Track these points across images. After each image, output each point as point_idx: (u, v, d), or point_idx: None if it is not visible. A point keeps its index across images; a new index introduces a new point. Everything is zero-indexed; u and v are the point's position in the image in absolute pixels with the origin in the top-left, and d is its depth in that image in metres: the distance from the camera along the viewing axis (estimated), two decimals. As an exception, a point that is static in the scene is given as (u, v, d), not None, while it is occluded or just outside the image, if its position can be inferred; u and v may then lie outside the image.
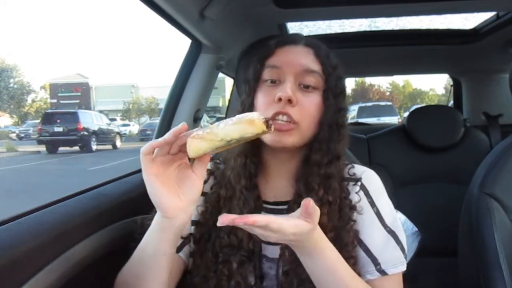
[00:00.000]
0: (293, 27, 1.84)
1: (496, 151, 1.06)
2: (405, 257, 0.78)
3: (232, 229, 0.77)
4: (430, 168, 1.86)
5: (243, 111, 0.79)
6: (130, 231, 1.05)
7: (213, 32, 1.29)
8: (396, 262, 0.76)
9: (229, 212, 0.77)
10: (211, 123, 0.67)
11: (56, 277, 0.76)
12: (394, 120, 12.08)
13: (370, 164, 1.73)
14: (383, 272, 0.75)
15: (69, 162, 12.81)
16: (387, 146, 1.90)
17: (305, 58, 0.79)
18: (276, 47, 0.82)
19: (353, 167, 0.83)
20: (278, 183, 0.82)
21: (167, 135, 0.62)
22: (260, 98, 0.79)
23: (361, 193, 0.79)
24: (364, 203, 0.78)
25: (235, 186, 0.79)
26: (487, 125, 2.11)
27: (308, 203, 0.61)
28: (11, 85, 32.33)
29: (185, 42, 1.37)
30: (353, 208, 0.78)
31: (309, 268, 0.68)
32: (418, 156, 1.87)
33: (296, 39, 0.83)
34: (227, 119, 0.62)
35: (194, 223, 0.82)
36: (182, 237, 0.80)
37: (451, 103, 2.64)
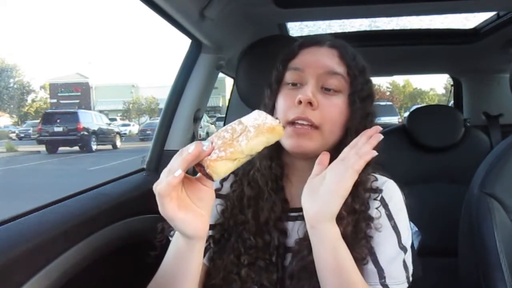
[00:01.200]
0: (293, 27, 1.84)
1: (496, 151, 1.05)
2: (408, 276, 0.74)
3: (257, 230, 0.74)
4: (430, 168, 1.86)
5: None
6: (130, 231, 1.05)
7: (213, 32, 1.28)
8: (400, 279, 0.73)
9: (255, 212, 0.76)
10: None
11: (56, 277, 0.76)
12: (394, 120, 12.08)
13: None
14: (386, 287, 0.72)
15: (69, 162, 12.81)
16: (387, 146, 1.88)
17: (329, 60, 0.76)
18: (300, 49, 0.80)
19: (376, 179, 0.79)
20: (296, 189, 0.79)
21: (183, 167, 0.56)
22: (281, 101, 0.77)
23: (381, 208, 0.76)
24: (383, 217, 0.75)
25: (262, 187, 0.77)
26: (487, 125, 2.11)
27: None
28: (11, 85, 32.34)
29: (185, 42, 1.38)
30: (369, 223, 0.74)
31: (321, 257, 0.67)
32: (418, 156, 1.87)
33: (321, 40, 0.80)
34: (239, 131, 0.59)
35: (212, 226, 0.78)
36: None
37: (451, 103, 2.64)
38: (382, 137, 0.67)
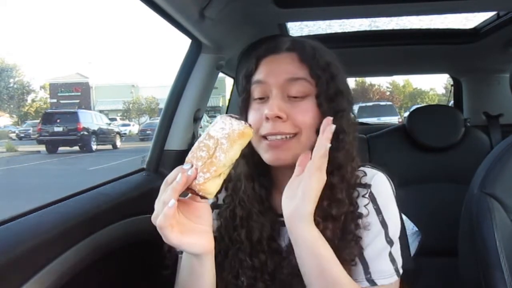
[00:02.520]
0: (293, 27, 1.84)
1: (496, 151, 1.05)
2: (397, 269, 0.74)
3: (252, 251, 0.74)
4: (431, 168, 1.86)
5: None
6: (130, 231, 1.05)
7: (213, 32, 1.28)
8: (388, 273, 0.73)
9: (248, 232, 0.75)
10: (211, 123, 0.67)
11: (56, 277, 0.76)
12: (394, 120, 12.07)
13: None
14: (372, 282, 0.72)
15: (69, 162, 12.81)
16: (388, 146, 1.89)
17: (288, 66, 0.73)
18: (259, 60, 0.77)
19: (365, 174, 0.77)
20: None
21: (176, 196, 0.59)
22: (251, 118, 0.75)
23: (370, 203, 0.75)
24: (371, 214, 0.74)
25: (251, 208, 0.76)
26: (487, 125, 2.11)
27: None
28: (11, 85, 32.32)
29: (185, 42, 1.38)
30: (359, 223, 0.73)
31: (302, 259, 0.66)
32: (419, 156, 1.87)
33: (277, 46, 0.76)
34: (211, 146, 0.61)
35: None
36: None
37: (451, 103, 2.64)
38: (333, 127, 0.66)
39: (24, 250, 0.70)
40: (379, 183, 0.77)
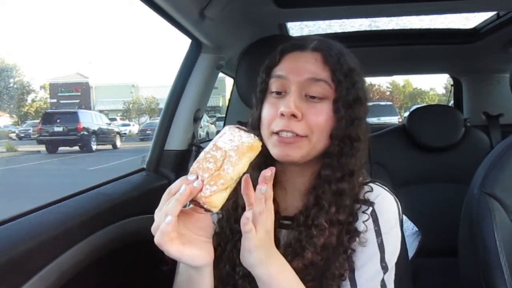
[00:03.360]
0: (293, 27, 1.84)
1: (496, 150, 1.05)
2: None
3: None
4: (431, 168, 1.86)
5: (251, 124, 0.77)
6: (130, 231, 1.05)
7: (213, 32, 1.28)
8: None
9: None
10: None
11: (56, 277, 0.76)
12: (394, 120, 12.05)
13: (370, 164, 1.73)
14: None
15: (69, 162, 12.81)
16: (388, 146, 1.89)
17: (311, 65, 0.72)
18: (282, 55, 0.76)
19: (371, 190, 0.75)
20: (290, 197, 0.77)
21: (177, 211, 0.57)
22: (265, 112, 0.74)
23: (370, 220, 0.72)
24: (370, 232, 0.71)
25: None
26: (487, 125, 2.11)
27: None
28: (11, 85, 32.33)
29: (185, 42, 1.38)
30: (353, 236, 0.71)
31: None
32: (419, 156, 1.87)
33: (303, 44, 0.76)
34: (219, 158, 0.59)
35: None
36: None
37: (451, 103, 2.64)
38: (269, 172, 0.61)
39: (24, 250, 0.70)
40: (384, 205, 0.74)
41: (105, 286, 0.97)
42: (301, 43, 0.76)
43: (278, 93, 0.74)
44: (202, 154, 0.61)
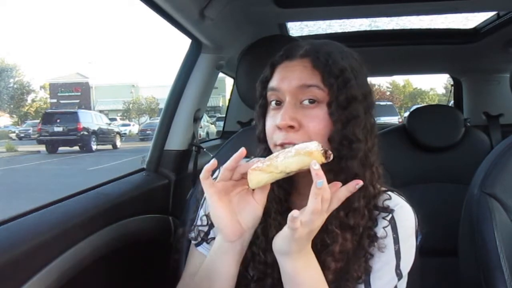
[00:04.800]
0: (293, 27, 1.84)
1: (496, 150, 1.05)
2: None
3: (267, 246, 0.73)
4: (430, 168, 1.86)
5: (258, 137, 0.78)
6: (130, 231, 1.05)
7: (213, 32, 1.29)
8: None
9: (265, 228, 0.75)
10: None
11: (56, 277, 0.76)
12: (394, 120, 12.06)
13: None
14: None
15: (69, 162, 12.81)
16: (388, 146, 1.87)
17: (300, 73, 0.72)
18: (273, 67, 0.77)
19: (389, 198, 0.76)
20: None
21: (229, 162, 0.65)
22: (267, 124, 0.75)
23: (389, 227, 0.73)
24: (388, 238, 0.72)
25: (269, 206, 0.75)
26: (487, 125, 2.11)
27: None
28: (11, 85, 32.32)
29: (185, 42, 1.38)
30: (373, 241, 0.72)
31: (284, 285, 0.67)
32: (419, 156, 1.87)
33: (291, 53, 0.76)
34: (286, 151, 0.64)
35: None
36: None
37: (451, 102, 2.64)
38: (360, 184, 0.66)
39: (24, 250, 0.70)
40: (404, 214, 0.75)
41: (105, 286, 0.97)
42: (289, 53, 0.76)
43: (277, 103, 0.74)
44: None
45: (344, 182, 0.68)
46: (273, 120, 0.73)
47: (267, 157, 0.65)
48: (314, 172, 0.60)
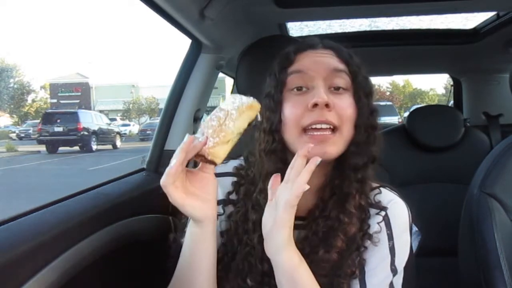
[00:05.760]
0: (293, 27, 1.84)
1: (496, 151, 1.05)
2: None
3: (263, 255, 0.72)
4: (430, 168, 1.86)
5: (271, 129, 0.74)
6: (130, 231, 1.05)
7: (213, 32, 1.28)
8: None
9: (260, 238, 0.72)
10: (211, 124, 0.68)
11: (56, 277, 0.76)
12: (394, 120, 12.07)
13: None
14: None
15: (69, 162, 12.82)
16: (387, 146, 1.88)
17: (330, 59, 0.75)
18: (296, 54, 0.76)
19: (380, 192, 0.77)
20: (306, 199, 0.73)
21: (180, 157, 0.63)
22: (290, 109, 0.72)
23: (383, 223, 0.74)
24: (382, 234, 0.73)
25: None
26: (487, 125, 2.11)
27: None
28: (11, 85, 32.32)
29: (185, 42, 1.38)
30: (366, 235, 0.72)
31: (281, 285, 0.66)
32: (418, 156, 1.87)
33: (313, 43, 0.78)
34: (228, 115, 0.66)
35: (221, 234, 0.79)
36: None
37: (451, 103, 2.64)
38: (319, 160, 0.64)
39: (24, 250, 0.70)
40: (397, 210, 0.76)
41: (105, 286, 0.97)
42: (311, 43, 0.79)
43: (299, 89, 0.73)
44: (208, 117, 0.68)
45: (365, 165, 0.73)
46: (298, 104, 0.72)
47: (212, 131, 0.65)
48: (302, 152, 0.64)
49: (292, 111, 0.72)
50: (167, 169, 0.64)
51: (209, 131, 0.65)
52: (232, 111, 0.66)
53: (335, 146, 0.71)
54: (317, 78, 0.72)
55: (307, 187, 0.62)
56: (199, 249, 0.70)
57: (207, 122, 0.67)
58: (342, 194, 0.72)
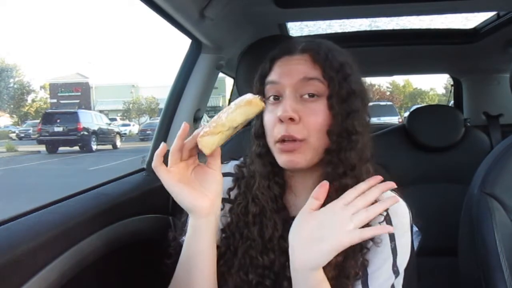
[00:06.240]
0: (293, 27, 1.84)
1: (496, 151, 1.05)
2: None
3: (263, 249, 0.74)
4: (430, 168, 1.86)
5: (255, 134, 0.78)
6: (130, 231, 1.05)
7: (213, 32, 1.28)
8: None
9: (261, 229, 0.75)
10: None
11: (56, 277, 0.76)
12: (394, 120, 12.05)
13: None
14: None
15: (69, 162, 12.81)
16: (388, 146, 1.89)
17: (302, 66, 0.73)
18: (273, 62, 0.77)
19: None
20: (300, 199, 0.77)
21: (176, 143, 0.66)
22: (266, 119, 0.75)
23: (384, 223, 0.73)
24: (384, 235, 0.72)
25: (265, 206, 0.76)
26: (487, 125, 2.11)
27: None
28: (11, 85, 32.32)
29: (185, 42, 1.38)
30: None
31: None
32: (419, 156, 1.87)
33: (291, 47, 0.77)
34: (225, 109, 0.66)
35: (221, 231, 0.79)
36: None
37: (451, 103, 2.64)
38: (393, 185, 0.67)
39: (24, 250, 0.70)
40: (398, 210, 0.75)
41: (105, 286, 0.97)
42: (289, 47, 0.77)
43: (276, 98, 0.75)
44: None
45: (343, 175, 0.71)
46: (273, 113, 0.73)
47: (211, 121, 0.66)
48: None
49: (267, 121, 0.75)
50: (156, 151, 0.66)
51: (210, 124, 0.66)
52: (232, 104, 0.66)
53: (303, 155, 0.71)
54: (287, 86, 0.73)
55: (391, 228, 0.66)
56: (195, 243, 0.70)
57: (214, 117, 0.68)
58: (325, 203, 0.71)
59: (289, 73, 0.73)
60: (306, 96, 0.72)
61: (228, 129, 0.65)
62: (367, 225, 0.73)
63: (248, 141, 0.81)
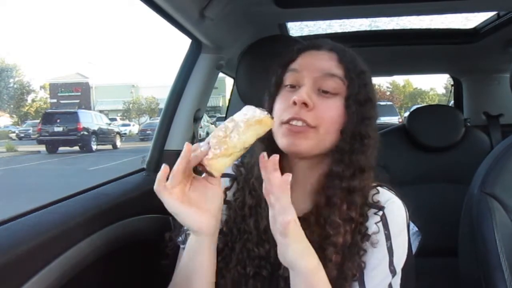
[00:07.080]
0: (294, 27, 1.84)
1: (496, 151, 1.05)
2: None
3: (259, 240, 0.74)
4: (430, 168, 1.86)
5: None
6: (130, 231, 1.05)
7: (213, 32, 1.28)
8: None
9: (256, 220, 0.75)
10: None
11: (56, 277, 0.76)
12: (394, 120, 12.06)
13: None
14: None
15: (69, 162, 12.81)
16: (388, 146, 1.87)
17: (326, 62, 0.75)
18: (299, 53, 0.79)
19: (378, 192, 0.77)
20: (296, 198, 0.73)
21: (180, 165, 0.62)
22: (278, 103, 0.76)
23: (380, 223, 0.73)
24: (380, 234, 0.73)
25: (261, 195, 0.75)
26: (487, 125, 2.11)
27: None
28: (11, 85, 32.33)
29: (185, 42, 1.38)
30: (365, 236, 0.72)
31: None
32: (419, 156, 1.87)
33: (320, 44, 0.79)
34: (231, 124, 0.63)
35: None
36: None
37: (451, 103, 2.64)
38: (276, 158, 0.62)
39: (24, 250, 0.70)
40: (394, 209, 0.75)
41: (105, 286, 0.97)
42: (318, 43, 0.80)
43: (292, 86, 0.76)
44: (218, 126, 0.65)
45: (352, 176, 0.72)
46: (286, 99, 0.74)
47: (216, 141, 0.62)
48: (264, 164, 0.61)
49: (279, 104, 0.76)
50: (158, 174, 0.63)
51: (213, 141, 0.63)
52: (241, 123, 0.63)
53: (306, 141, 0.71)
54: (308, 77, 0.74)
55: (291, 216, 0.61)
56: (195, 260, 0.69)
57: (215, 131, 0.64)
58: (330, 203, 0.72)
59: (312, 65, 0.75)
60: (324, 91, 0.73)
61: (240, 151, 0.63)
62: (364, 227, 0.73)
63: None
